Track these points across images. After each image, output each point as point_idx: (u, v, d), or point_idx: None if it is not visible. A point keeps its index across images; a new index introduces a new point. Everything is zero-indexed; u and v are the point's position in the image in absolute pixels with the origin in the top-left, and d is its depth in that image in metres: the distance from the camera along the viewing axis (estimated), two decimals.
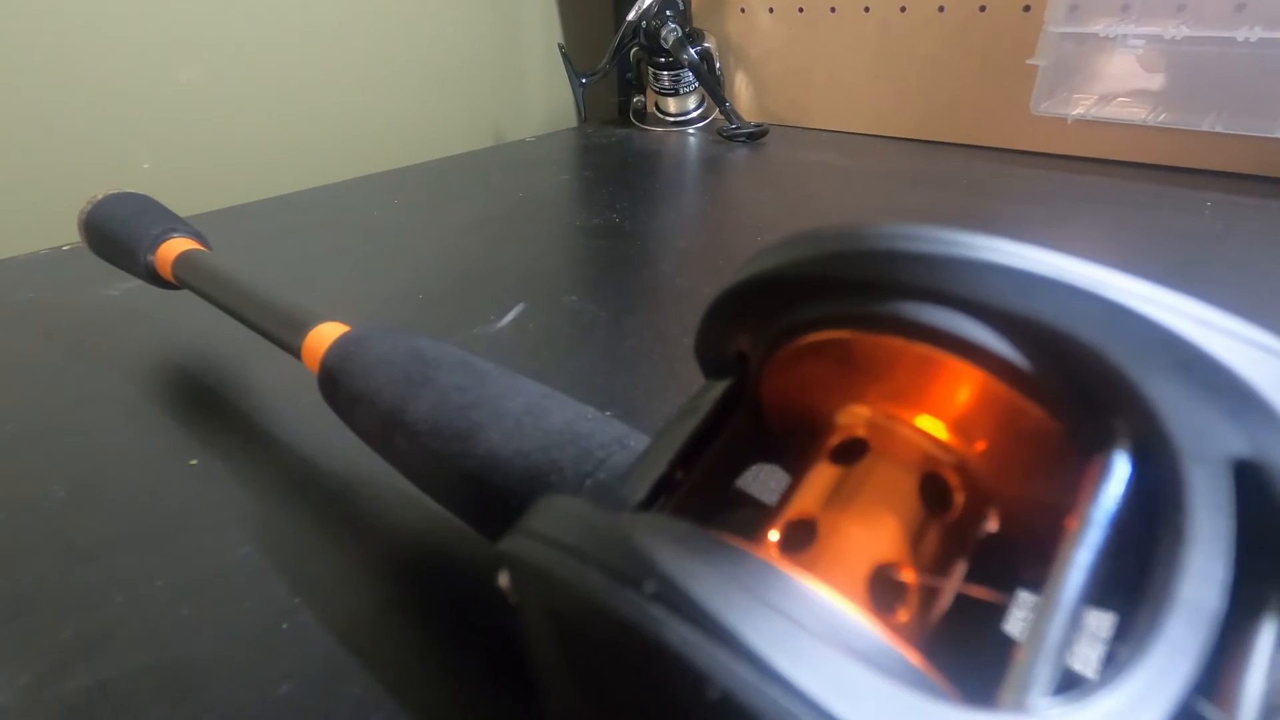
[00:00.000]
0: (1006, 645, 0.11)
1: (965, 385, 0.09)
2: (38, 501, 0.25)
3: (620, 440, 0.16)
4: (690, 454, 0.11)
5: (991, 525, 0.10)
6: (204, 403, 0.31)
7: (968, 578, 0.10)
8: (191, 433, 0.29)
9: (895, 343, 0.09)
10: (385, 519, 0.23)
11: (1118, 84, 0.58)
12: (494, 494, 0.16)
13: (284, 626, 0.20)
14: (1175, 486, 0.07)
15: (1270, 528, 0.07)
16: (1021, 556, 0.11)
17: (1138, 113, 0.56)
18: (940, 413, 0.10)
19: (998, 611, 0.11)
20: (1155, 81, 0.56)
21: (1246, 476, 0.07)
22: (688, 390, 0.31)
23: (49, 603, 0.21)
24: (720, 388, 0.12)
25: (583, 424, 0.16)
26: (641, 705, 0.07)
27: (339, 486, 0.25)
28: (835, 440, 0.10)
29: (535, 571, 0.08)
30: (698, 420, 0.11)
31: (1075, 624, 0.07)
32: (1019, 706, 0.06)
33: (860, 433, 0.10)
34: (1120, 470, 0.08)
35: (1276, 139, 0.50)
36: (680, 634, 0.06)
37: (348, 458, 0.26)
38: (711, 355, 0.13)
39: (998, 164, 0.61)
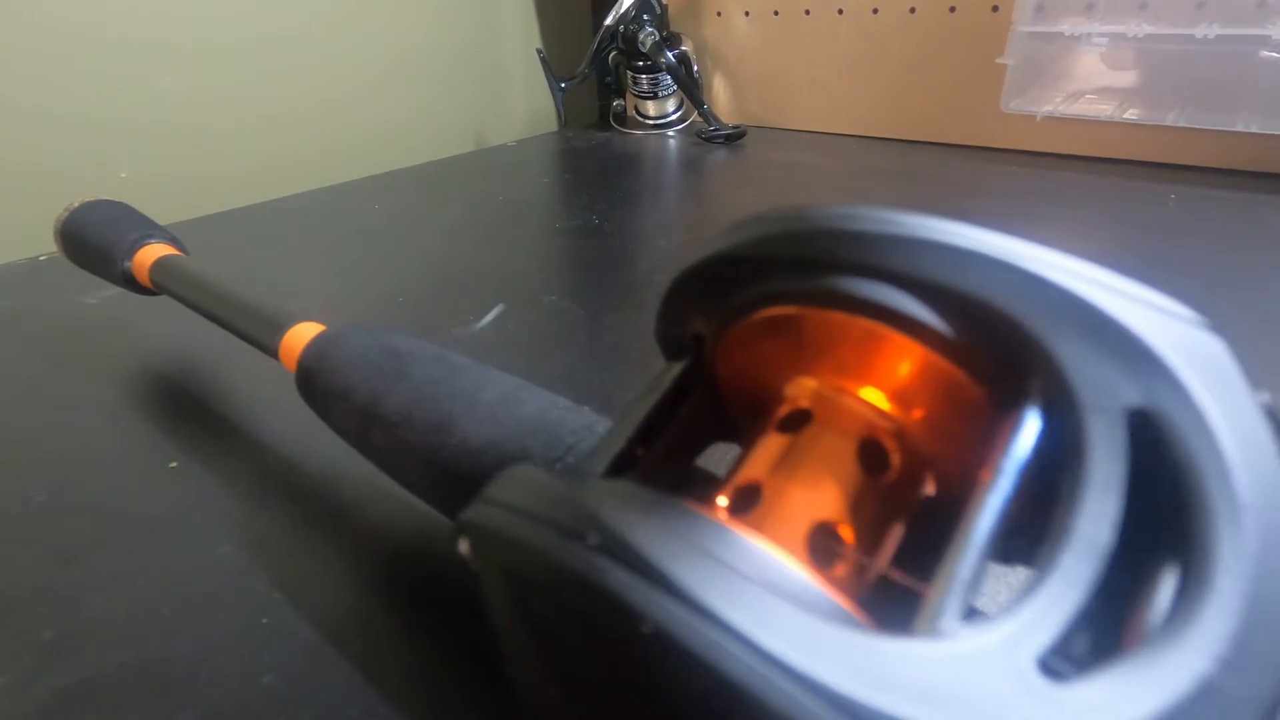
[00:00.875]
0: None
1: (897, 355, 0.10)
2: (18, 506, 0.25)
3: (589, 427, 0.16)
4: (649, 432, 0.12)
5: (929, 489, 0.11)
6: (183, 406, 0.31)
7: (912, 540, 0.10)
8: (171, 436, 0.29)
9: (832, 315, 0.10)
10: (364, 515, 0.24)
11: (1085, 82, 0.59)
12: (467, 483, 0.17)
13: (264, 621, 0.20)
14: (1077, 436, 0.08)
15: (1160, 467, 0.08)
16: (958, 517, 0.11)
17: (1104, 109, 0.57)
18: (876, 381, 0.10)
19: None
20: (1120, 79, 0.58)
21: (1141, 423, 0.08)
22: None
23: (29, 605, 0.21)
24: (677, 368, 0.12)
25: (553, 412, 0.17)
26: (590, 653, 0.07)
27: (318, 484, 0.25)
28: (782, 411, 0.11)
29: (491, 534, 0.08)
30: (655, 399, 0.12)
31: (984, 561, 0.07)
32: (929, 632, 0.07)
33: (804, 403, 0.11)
34: (1031, 424, 0.08)
35: (1236, 132, 0.51)
36: (618, 578, 0.07)
37: (326, 456, 0.26)
38: (670, 338, 0.13)
39: (970, 161, 0.62)
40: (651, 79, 0.78)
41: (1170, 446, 0.07)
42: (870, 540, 0.10)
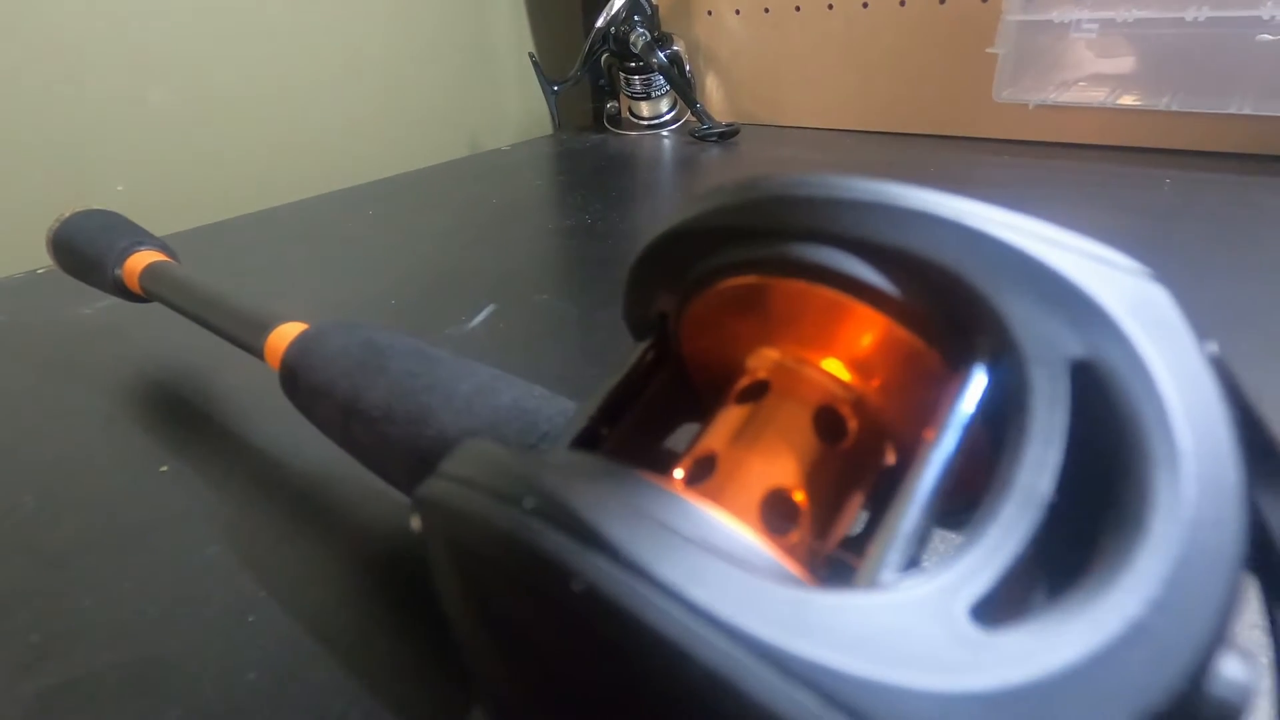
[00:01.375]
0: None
1: (849, 320, 0.10)
2: (8, 511, 0.25)
3: (565, 413, 0.16)
4: (614, 411, 0.12)
5: (889, 458, 0.11)
6: (175, 412, 0.31)
7: (871, 510, 0.10)
8: (162, 441, 0.29)
9: (785, 283, 0.10)
10: (350, 513, 0.24)
11: (1076, 69, 0.59)
12: None
13: (250, 620, 0.20)
14: (1020, 389, 0.08)
15: (1103, 416, 0.07)
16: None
17: (1096, 96, 0.57)
18: (832, 349, 0.10)
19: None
20: (1112, 65, 0.57)
21: (1083, 374, 0.08)
22: None
23: (17, 608, 0.21)
24: (642, 347, 0.12)
25: (529, 401, 0.17)
26: (529, 621, 0.07)
27: (305, 484, 0.25)
28: (741, 384, 0.11)
29: (436, 505, 0.08)
30: (619, 378, 0.12)
31: (928, 515, 0.07)
32: (868, 584, 0.07)
33: (762, 374, 0.11)
34: (977, 380, 0.08)
35: (1229, 115, 0.51)
36: (550, 538, 0.07)
37: (313, 456, 0.26)
38: (636, 318, 0.13)
39: (964, 152, 0.62)
40: (644, 80, 0.78)
41: (1112, 396, 0.07)
42: (827, 508, 0.10)
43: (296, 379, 0.21)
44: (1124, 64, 0.57)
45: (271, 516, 0.24)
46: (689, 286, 0.11)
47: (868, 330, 0.09)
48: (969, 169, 0.58)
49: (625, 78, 0.79)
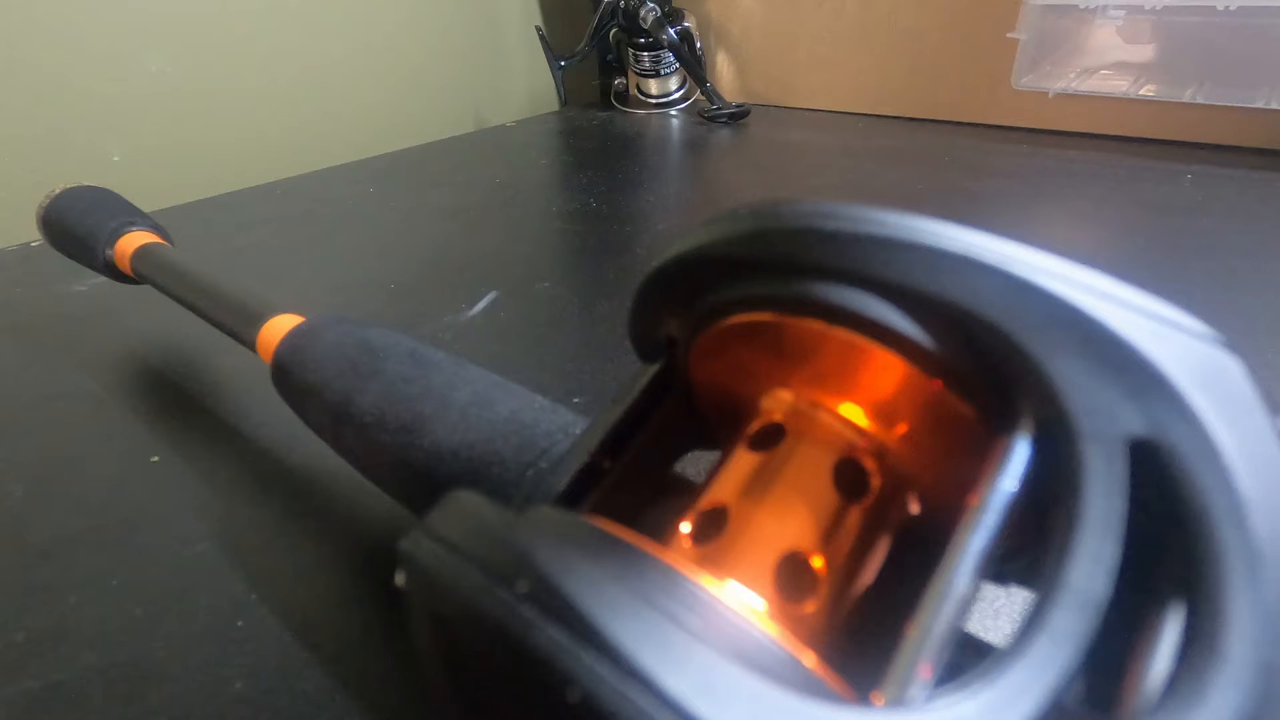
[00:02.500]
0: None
1: (881, 370, 0.09)
2: None
3: (565, 429, 0.16)
4: (618, 441, 0.11)
5: (913, 509, 0.10)
6: (167, 399, 0.30)
7: (891, 560, 0.10)
8: (154, 429, 0.28)
9: (811, 325, 0.09)
10: (343, 513, 0.23)
11: (1099, 57, 0.57)
12: (440, 486, 0.16)
13: (239, 624, 0.19)
14: (1071, 468, 0.07)
15: (1165, 505, 0.07)
16: (946, 537, 0.11)
17: (1119, 85, 0.55)
18: (858, 398, 0.09)
19: (921, 591, 0.11)
20: (1136, 53, 0.56)
21: (1143, 456, 0.07)
22: None
23: (1, 603, 0.20)
24: (648, 374, 0.11)
25: (528, 413, 0.16)
26: (514, 709, 0.07)
27: (298, 481, 0.25)
28: (754, 426, 0.10)
29: (420, 568, 0.07)
30: (623, 407, 0.11)
31: (964, 611, 0.07)
32: (896, 701, 0.06)
33: (777, 418, 0.10)
34: (1019, 453, 0.07)
35: (1256, 109, 0.50)
36: (547, 635, 0.06)
37: (307, 452, 0.25)
38: (643, 339, 0.12)
39: (980, 140, 0.61)
40: (653, 57, 0.76)
41: (1177, 483, 0.07)
42: (846, 571, 0.09)
43: (288, 376, 0.21)
44: (1148, 53, 0.55)
45: (263, 513, 0.23)
46: (703, 315, 0.10)
47: (898, 381, 0.09)
48: (985, 157, 0.57)
49: (634, 54, 0.77)
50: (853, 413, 0.10)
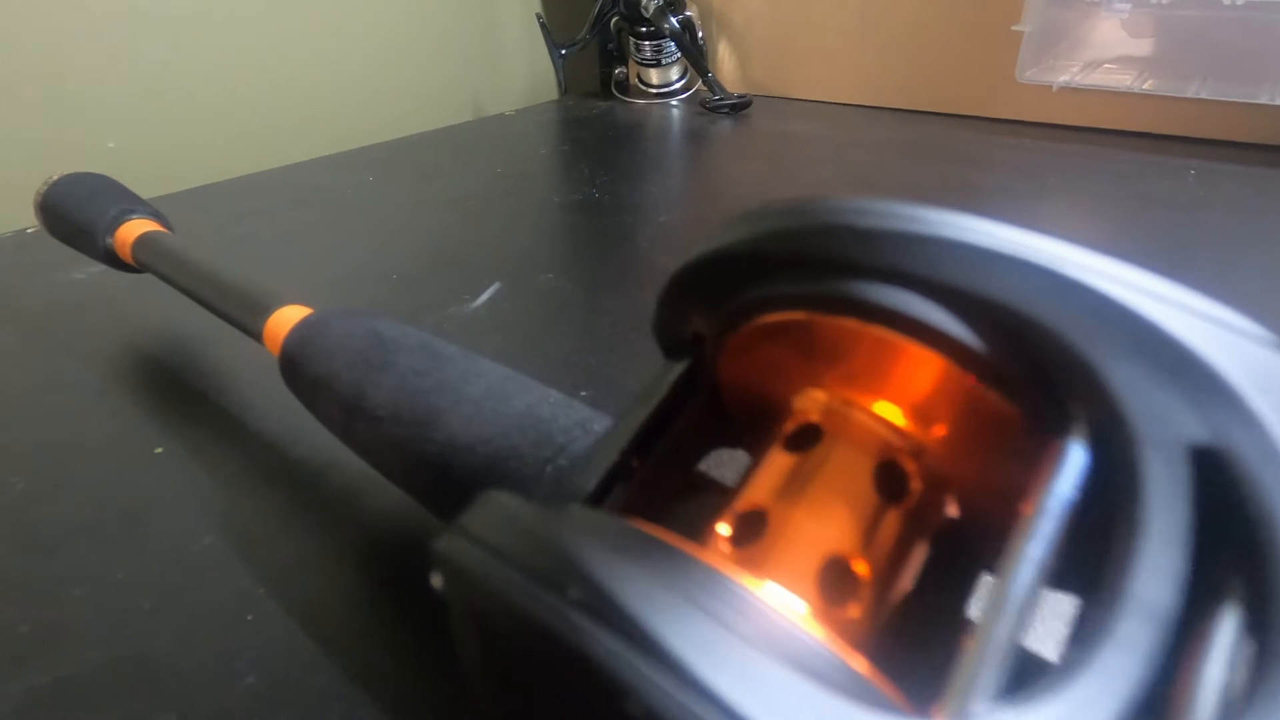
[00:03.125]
0: (967, 630, 0.10)
1: (920, 369, 0.09)
2: None
3: (583, 424, 0.15)
4: (646, 440, 0.11)
5: (951, 511, 0.10)
6: (170, 389, 0.30)
7: (929, 563, 0.09)
8: (157, 420, 0.28)
9: (848, 324, 0.09)
10: (352, 506, 0.23)
11: (1104, 50, 0.57)
12: (455, 481, 0.16)
13: (248, 618, 0.19)
14: (1131, 475, 0.07)
15: (1228, 516, 0.07)
16: (985, 540, 0.11)
17: (1123, 80, 0.55)
18: (896, 397, 0.09)
19: (961, 595, 0.11)
20: (1141, 47, 0.55)
21: (1205, 463, 0.07)
22: None
23: (5, 597, 0.20)
24: (675, 371, 0.11)
25: (544, 408, 0.16)
26: (567, 711, 0.07)
27: (305, 473, 0.24)
28: (790, 426, 0.10)
29: (460, 572, 0.07)
30: (651, 406, 0.11)
31: (1025, 620, 0.06)
32: (959, 714, 0.06)
33: (814, 418, 0.10)
34: (1075, 458, 0.07)
35: (1260, 105, 0.49)
36: (603, 643, 0.06)
37: (314, 443, 0.25)
38: (669, 336, 0.12)
39: (983, 133, 0.60)
40: (655, 46, 0.75)
41: (1243, 493, 0.06)
42: (887, 575, 0.09)
43: (297, 369, 0.20)
44: (1153, 47, 0.55)
45: (269, 506, 0.23)
46: (735, 313, 0.10)
47: (940, 381, 0.09)
48: (988, 151, 0.56)
49: (635, 43, 0.76)
50: (891, 413, 0.09)
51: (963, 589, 0.11)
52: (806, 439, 0.10)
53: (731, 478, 0.14)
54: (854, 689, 0.06)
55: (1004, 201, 0.48)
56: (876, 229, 0.08)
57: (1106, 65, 0.57)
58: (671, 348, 0.12)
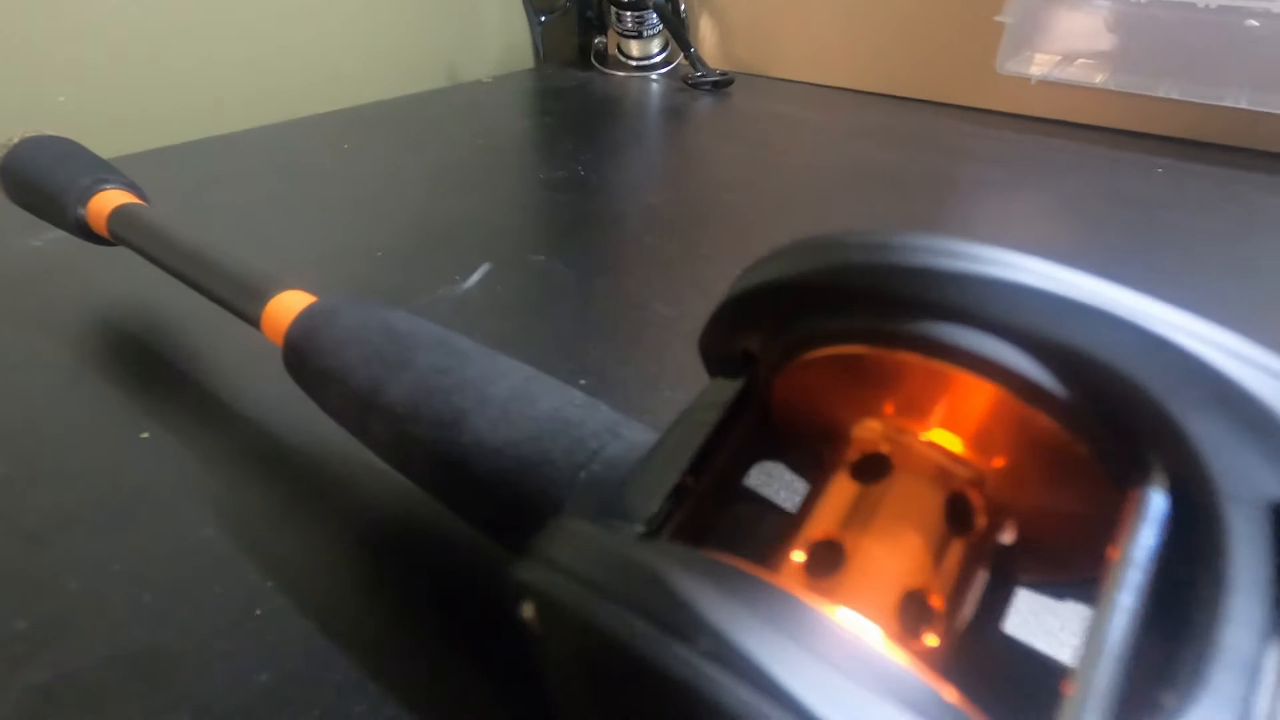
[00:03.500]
0: (1006, 645, 0.11)
1: (997, 410, 0.09)
2: None
3: (611, 429, 0.15)
4: (702, 459, 0.11)
5: (1008, 538, 0.10)
6: (150, 369, 0.29)
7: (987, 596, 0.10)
8: (139, 402, 0.27)
9: (928, 364, 0.09)
10: (356, 496, 0.23)
11: (1081, 44, 0.58)
12: (480, 483, 0.16)
13: (257, 612, 0.19)
14: (1214, 528, 0.07)
15: None
16: (1021, 560, 0.11)
17: (1098, 76, 0.56)
18: (966, 433, 0.10)
19: (997, 611, 0.11)
20: (1116, 44, 0.57)
21: None
22: (661, 359, 0.31)
23: None
24: (731, 391, 0.11)
25: (571, 410, 0.16)
26: None
27: (305, 462, 0.24)
28: (855, 455, 0.10)
29: (572, 615, 0.07)
30: (710, 427, 0.11)
31: (1122, 667, 0.07)
32: None
33: (884, 449, 0.10)
34: (1157, 507, 0.08)
35: (1226, 107, 0.51)
36: (742, 698, 0.06)
37: (311, 431, 0.25)
38: (718, 352, 0.12)
39: (963, 123, 0.61)
40: (636, 17, 0.74)
41: None
42: (957, 606, 0.09)
43: (303, 360, 0.20)
44: (1128, 45, 0.56)
45: (269, 495, 0.23)
46: (802, 339, 0.10)
47: (1016, 423, 0.09)
48: (967, 141, 0.57)
49: (616, 12, 0.74)
50: (958, 445, 0.10)
51: (999, 605, 0.11)
52: (874, 469, 0.10)
53: (766, 487, 0.14)
54: None
55: (982, 194, 0.49)
56: (961, 273, 0.08)
57: (1083, 60, 0.58)
58: (716, 364, 0.13)
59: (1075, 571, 0.10)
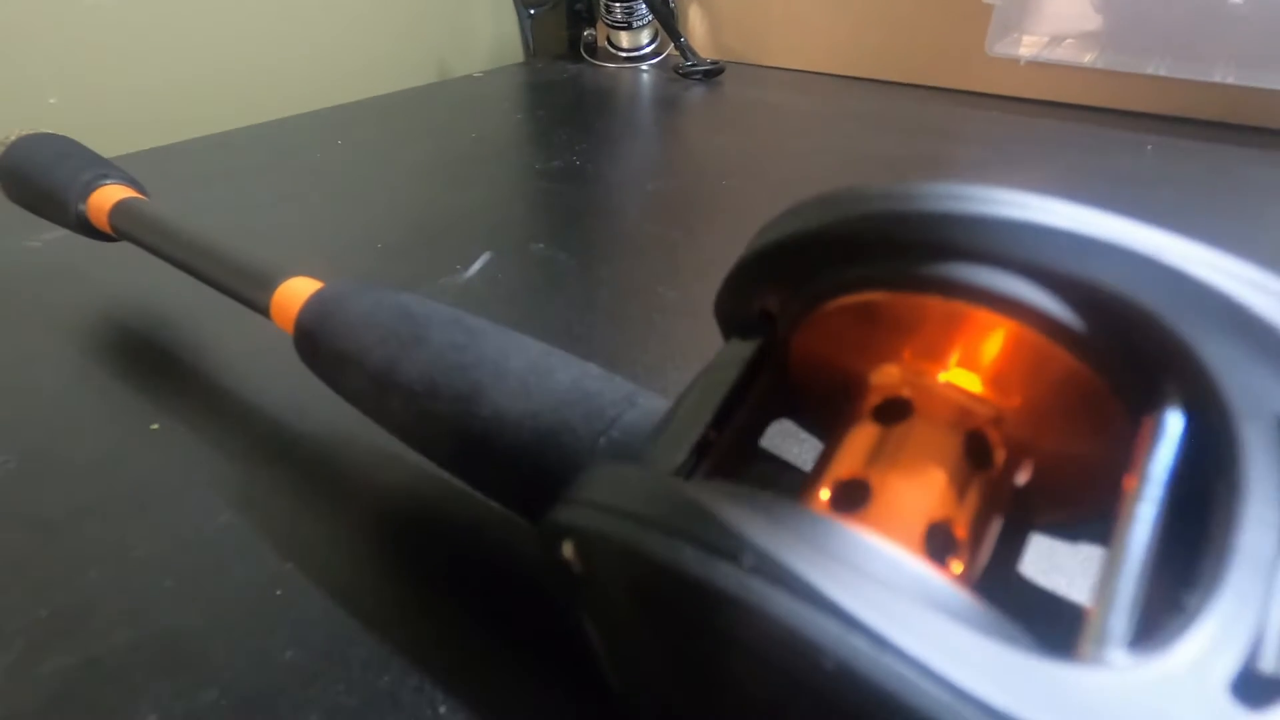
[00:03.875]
0: (1023, 588, 0.11)
1: (1015, 347, 0.09)
2: None
3: (629, 398, 0.16)
4: (724, 415, 0.11)
5: (1024, 477, 0.11)
6: (156, 363, 0.29)
7: (1005, 535, 0.10)
8: (147, 395, 0.27)
9: (950, 306, 0.09)
10: (371, 478, 0.23)
11: (1069, 24, 0.58)
12: (501, 455, 0.16)
13: (277, 593, 0.19)
14: (1229, 443, 0.08)
15: None
16: (1036, 501, 0.11)
17: (1087, 56, 0.57)
18: (985, 372, 0.10)
19: (1014, 554, 0.12)
20: (1104, 23, 0.57)
21: None
22: (667, 341, 0.31)
23: (16, 580, 0.20)
24: (751, 348, 0.12)
25: (589, 382, 0.16)
26: (737, 678, 0.07)
27: (317, 447, 0.24)
28: (876, 399, 0.11)
29: (612, 545, 0.08)
30: (731, 382, 0.11)
31: (1144, 578, 0.07)
32: (1097, 660, 0.07)
33: (904, 393, 0.10)
34: (1174, 427, 0.08)
35: (1213, 83, 0.52)
36: (790, 609, 0.06)
37: (322, 418, 0.25)
38: (735, 313, 0.12)
39: (952, 105, 0.62)
40: (625, 8, 0.74)
41: None
42: (978, 538, 0.10)
43: (316, 344, 0.20)
44: (1116, 22, 0.57)
45: (283, 481, 0.23)
46: (823, 290, 0.10)
47: (1035, 359, 0.09)
48: (958, 124, 0.58)
49: (605, 4, 0.75)
50: (978, 385, 0.10)
51: (1015, 548, 0.12)
52: (895, 412, 0.10)
53: (781, 449, 0.14)
54: (1011, 637, 0.07)
55: (972, 176, 0.50)
56: (978, 215, 0.09)
57: (1071, 40, 0.58)
58: (733, 324, 0.13)
59: (1089, 510, 0.11)
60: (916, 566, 0.07)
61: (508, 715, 0.16)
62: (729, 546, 0.07)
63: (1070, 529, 0.11)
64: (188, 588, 0.19)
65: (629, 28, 0.76)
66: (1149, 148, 0.52)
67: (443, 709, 0.16)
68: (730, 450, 0.12)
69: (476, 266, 0.36)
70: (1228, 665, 0.06)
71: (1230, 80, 0.51)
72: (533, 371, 0.17)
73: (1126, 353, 0.09)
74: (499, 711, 0.16)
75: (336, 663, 0.17)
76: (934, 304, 0.09)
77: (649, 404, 0.16)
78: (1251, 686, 0.06)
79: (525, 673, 0.17)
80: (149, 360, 0.29)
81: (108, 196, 0.29)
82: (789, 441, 0.14)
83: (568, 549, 0.08)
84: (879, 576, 0.07)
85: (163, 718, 0.16)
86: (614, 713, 0.16)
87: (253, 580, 0.19)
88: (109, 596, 0.19)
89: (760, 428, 0.13)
